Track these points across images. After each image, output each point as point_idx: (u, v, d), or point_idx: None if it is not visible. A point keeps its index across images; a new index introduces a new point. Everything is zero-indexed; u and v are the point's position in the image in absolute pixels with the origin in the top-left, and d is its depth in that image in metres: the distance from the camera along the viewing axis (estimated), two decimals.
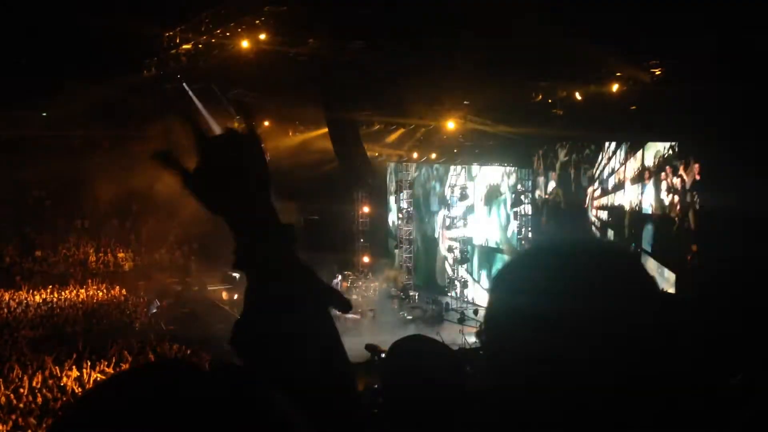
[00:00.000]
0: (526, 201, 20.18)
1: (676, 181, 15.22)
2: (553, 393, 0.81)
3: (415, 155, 24.97)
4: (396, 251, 25.70)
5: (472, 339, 16.86)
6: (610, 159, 17.53)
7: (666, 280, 14.87)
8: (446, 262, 23.81)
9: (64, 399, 12.75)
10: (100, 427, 0.60)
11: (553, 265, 0.89)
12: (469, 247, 22.57)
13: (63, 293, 24.11)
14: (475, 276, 22.51)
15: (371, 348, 17.56)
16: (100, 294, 24.32)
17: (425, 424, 1.77)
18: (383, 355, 2.10)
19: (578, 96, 15.89)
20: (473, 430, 1.51)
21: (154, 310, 22.26)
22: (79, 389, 13.72)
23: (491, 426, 0.88)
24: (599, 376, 0.80)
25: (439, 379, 1.83)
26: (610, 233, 17.18)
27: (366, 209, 26.85)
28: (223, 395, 0.62)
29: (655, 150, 16.00)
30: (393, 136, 25.16)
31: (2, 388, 13.31)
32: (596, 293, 0.84)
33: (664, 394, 0.81)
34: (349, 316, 21.54)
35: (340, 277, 23.70)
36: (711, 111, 12.41)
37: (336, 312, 1.05)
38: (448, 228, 23.44)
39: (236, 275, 25.36)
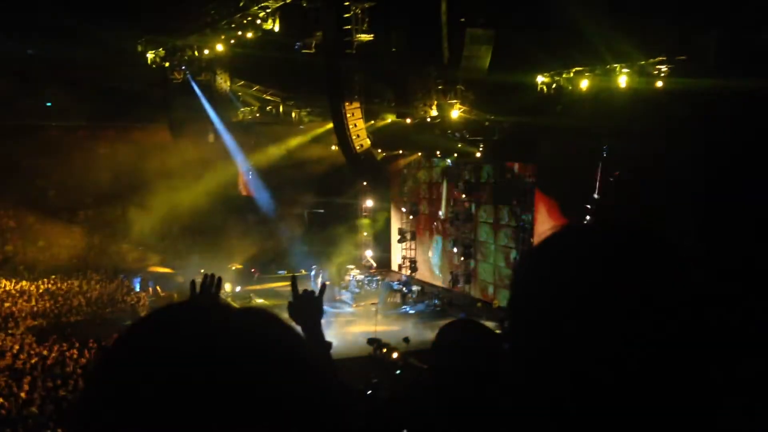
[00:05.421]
0: (529, 195, 20.13)
1: None
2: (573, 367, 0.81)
3: (418, 149, 24.87)
4: (399, 245, 25.69)
5: None
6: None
7: None
8: (450, 257, 23.79)
9: (68, 388, 12.79)
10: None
11: (578, 248, 0.88)
12: (473, 243, 22.54)
13: (65, 283, 24.16)
14: (479, 271, 22.50)
15: (373, 342, 17.60)
16: (103, 283, 24.36)
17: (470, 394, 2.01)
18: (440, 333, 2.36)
19: (583, 89, 15.82)
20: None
21: (152, 296, 22.52)
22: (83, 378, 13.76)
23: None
24: (620, 353, 0.80)
25: (482, 359, 2.06)
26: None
27: (369, 203, 26.85)
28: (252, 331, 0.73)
29: None
30: (396, 129, 25.07)
31: (7, 378, 13.36)
32: (621, 273, 0.83)
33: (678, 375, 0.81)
34: (351, 310, 21.58)
35: (330, 271, 23.73)
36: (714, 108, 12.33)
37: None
38: (452, 223, 23.40)
39: (237, 267, 25.40)
